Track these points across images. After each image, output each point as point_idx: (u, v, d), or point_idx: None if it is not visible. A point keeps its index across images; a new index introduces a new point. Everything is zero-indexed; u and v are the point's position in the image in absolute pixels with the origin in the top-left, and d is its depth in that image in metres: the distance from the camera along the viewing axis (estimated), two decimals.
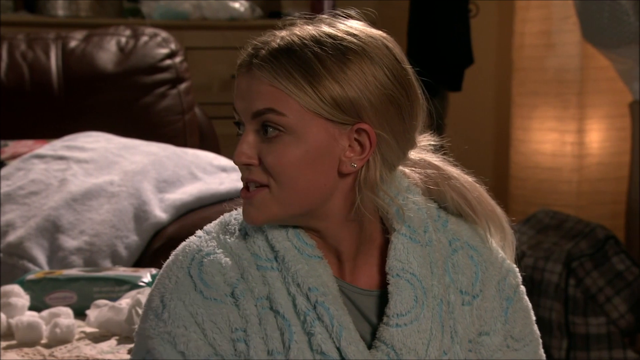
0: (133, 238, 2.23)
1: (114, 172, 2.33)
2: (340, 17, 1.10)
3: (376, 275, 1.12)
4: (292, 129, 1.05)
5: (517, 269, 1.19)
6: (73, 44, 2.66)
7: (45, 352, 1.59)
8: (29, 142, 2.47)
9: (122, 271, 1.89)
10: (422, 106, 1.12)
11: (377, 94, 1.06)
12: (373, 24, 1.13)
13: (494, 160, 3.82)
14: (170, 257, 1.11)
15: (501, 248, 1.19)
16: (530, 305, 1.20)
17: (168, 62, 2.68)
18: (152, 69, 2.66)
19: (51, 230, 2.19)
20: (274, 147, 1.06)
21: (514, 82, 3.52)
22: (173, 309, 1.06)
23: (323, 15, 1.10)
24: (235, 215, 1.13)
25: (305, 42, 1.06)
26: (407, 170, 1.16)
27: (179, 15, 3.34)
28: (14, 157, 2.41)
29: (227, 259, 1.08)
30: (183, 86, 2.69)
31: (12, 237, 2.17)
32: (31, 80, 2.59)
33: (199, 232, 1.12)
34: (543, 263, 2.77)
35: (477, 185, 1.20)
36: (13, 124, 2.56)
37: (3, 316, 1.69)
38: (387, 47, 1.09)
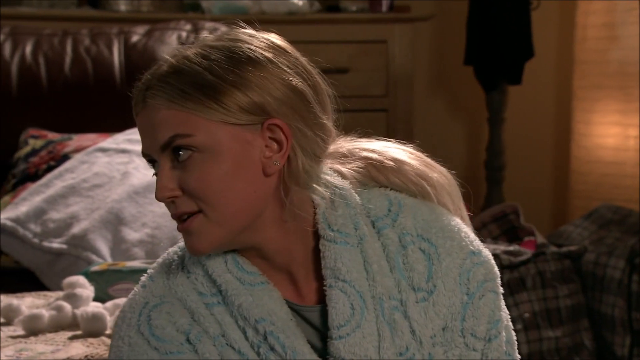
0: None
1: None
2: (222, 31, 1.10)
3: (318, 286, 1.09)
4: (203, 146, 1.03)
5: (492, 264, 1.12)
6: (135, 38, 2.69)
7: (110, 342, 1.61)
8: (92, 136, 2.51)
9: None
10: (326, 91, 1.10)
11: (277, 87, 1.05)
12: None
13: (554, 154, 3.77)
14: (119, 314, 1.09)
15: (454, 212, 1.13)
16: (501, 302, 1.12)
17: None
18: None
19: (114, 222, 2.22)
20: (191, 170, 1.03)
21: (575, 75, 3.46)
22: None
23: (203, 35, 1.10)
24: (178, 251, 1.11)
25: (192, 59, 1.05)
26: (339, 166, 1.12)
27: (238, 10, 3.36)
28: (78, 150, 2.45)
29: (174, 306, 1.06)
30: None
31: (76, 229, 2.21)
32: (94, 75, 2.62)
33: (143, 280, 1.10)
34: (605, 259, 2.73)
35: (417, 153, 1.15)
36: (77, 117, 2.61)
37: (68, 307, 1.72)
38: (273, 42, 1.08)
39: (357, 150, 1.14)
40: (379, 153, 1.14)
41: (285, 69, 1.06)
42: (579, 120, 3.44)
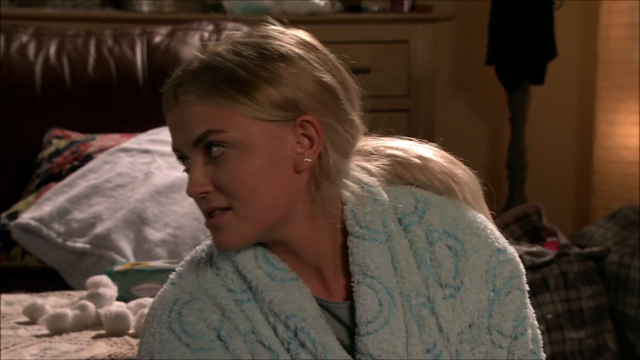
0: None
1: None
2: (251, 29, 1.10)
3: (347, 282, 1.09)
4: (236, 142, 1.03)
5: (518, 261, 1.12)
6: (157, 39, 2.70)
7: (133, 342, 1.62)
8: (115, 136, 2.52)
9: None
10: (354, 89, 1.10)
11: (308, 83, 1.05)
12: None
13: (577, 154, 3.75)
14: (149, 311, 1.09)
15: (477, 211, 1.13)
16: (527, 300, 1.12)
17: None
18: None
19: (137, 222, 2.23)
20: (223, 166, 1.03)
21: (599, 75, 3.44)
22: None
23: (231, 32, 1.10)
24: (205, 249, 1.11)
25: (223, 55, 1.05)
26: (366, 163, 1.13)
27: (259, 10, 3.37)
28: (101, 150, 2.47)
29: (205, 303, 1.06)
30: None
31: (99, 229, 2.22)
32: (117, 75, 2.64)
33: (172, 278, 1.10)
34: (629, 260, 2.71)
35: (441, 151, 1.16)
36: (100, 118, 2.62)
37: (92, 306, 1.73)
38: (303, 39, 1.08)
39: (382, 148, 1.15)
40: (404, 151, 1.14)
41: (315, 65, 1.06)
42: (602, 121, 3.42)
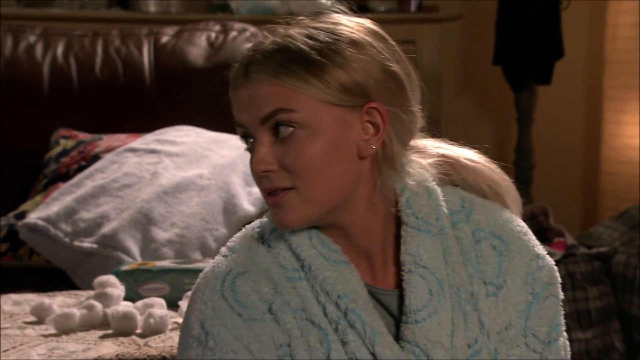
0: (222, 231, 2.26)
1: (203, 166, 2.36)
2: (320, 14, 1.11)
3: (395, 270, 1.11)
4: (305, 123, 1.04)
5: (555, 269, 1.15)
6: (164, 39, 2.70)
7: (140, 341, 1.63)
8: (122, 136, 2.53)
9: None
10: (415, 80, 1.12)
11: (377, 70, 1.06)
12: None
13: (584, 155, 3.74)
14: (200, 280, 1.09)
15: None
16: (561, 308, 1.14)
17: None
18: None
19: (144, 222, 2.24)
20: (290, 146, 1.04)
21: (605, 75, 3.43)
22: (217, 336, 1.04)
23: (301, 17, 1.10)
24: (256, 228, 1.12)
25: (297, 37, 1.06)
26: (419, 159, 1.14)
27: (266, 10, 3.37)
28: (108, 150, 2.47)
29: (258, 276, 1.07)
30: None
31: (106, 229, 2.23)
32: (124, 76, 2.64)
33: (224, 251, 1.11)
34: (636, 260, 2.70)
35: (483, 156, 1.18)
36: (107, 118, 2.63)
37: (99, 306, 1.73)
38: (373, 29, 1.10)
39: (432, 146, 1.17)
40: (454, 151, 1.17)
41: (385, 54, 1.08)
42: (609, 121, 3.42)
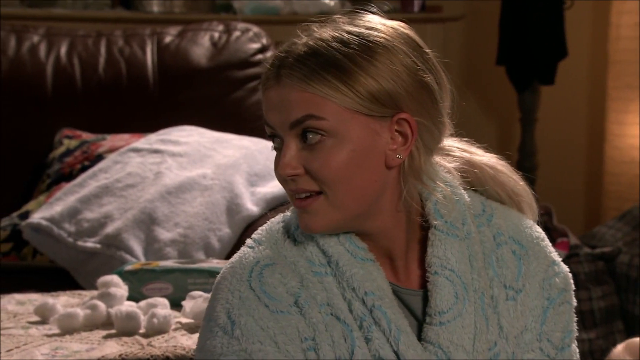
0: (225, 231, 2.26)
1: (206, 166, 2.36)
2: (356, 15, 1.10)
3: (419, 273, 1.12)
4: (334, 131, 1.04)
5: (569, 276, 1.16)
6: (168, 39, 2.71)
7: (144, 341, 1.63)
8: (125, 136, 2.53)
9: (215, 263, 1.92)
10: (448, 89, 1.12)
11: (409, 81, 1.06)
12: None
13: (587, 155, 3.74)
14: (226, 270, 1.10)
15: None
16: (574, 316, 1.16)
17: (259, 56, 2.71)
18: (243, 63, 2.69)
19: (147, 222, 2.24)
20: (317, 153, 1.05)
21: (609, 75, 3.43)
22: (244, 326, 1.05)
23: (337, 16, 1.10)
24: (280, 222, 1.13)
25: (330, 43, 1.05)
26: (440, 160, 1.15)
27: (269, 10, 3.37)
28: (112, 150, 2.47)
29: (285, 268, 1.08)
30: None
31: (110, 229, 2.23)
32: (128, 76, 2.64)
33: (249, 243, 1.12)
34: (639, 260, 2.70)
35: (505, 163, 1.19)
36: (111, 118, 2.63)
37: (102, 306, 1.73)
38: (408, 35, 1.09)
39: (455, 149, 1.17)
40: (478, 158, 1.17)
41: (419, 64, 1.07)
42: (612, 121, 3.41)
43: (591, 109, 3.70)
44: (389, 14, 1.13)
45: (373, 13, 1.10)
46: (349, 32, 1.06)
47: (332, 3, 3.40)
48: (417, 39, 1.10)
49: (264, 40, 2.74)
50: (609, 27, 3.42)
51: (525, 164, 3.52)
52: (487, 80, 3.71)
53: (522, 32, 3.37)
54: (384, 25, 1.09)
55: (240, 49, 2.71)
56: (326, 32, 1.07)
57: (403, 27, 1.10)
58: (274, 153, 1.10)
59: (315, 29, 1.08)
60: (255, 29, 2.77)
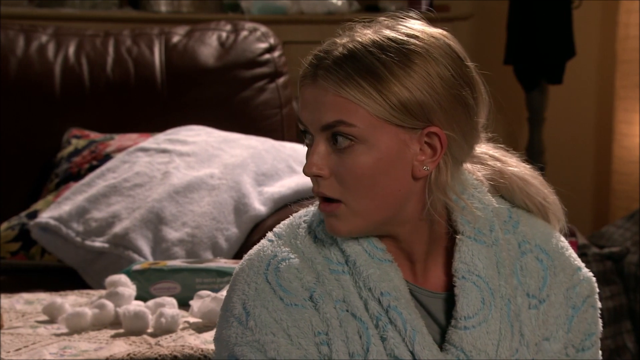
0: (233, 230, 2.27)
1: (214, 166, 2.37)
2: (399, 19, 1.09)
3: (443, 276, 1.12)
4: (363, 138, 1.05)
5: (593, 280, 1.17)
6: (175, 39, 2.71)
7: (152, 340, 1.63)
8: (133, 136, 2.53)
9: (223, 263, 1.92)
10: (485, 101, 1.11)
11: (444, 94, 1.05)
12: (432, 22, 1.12)
13: (595, 154, 3.73)
14: (244, 262, 1.11)
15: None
16: (599, 317, 1.17)
17: (267, 56, 2.71)
18: (251, 63, 2.69)
19: (155, 221, 2.24)
20: (345, 158, 1.05)
21: (617, 74, 3.42)
22: (258, 317, 1.07)
23: (382, 18, 1.09)
24: (303, 217, 1.13)
25: (368, 48, 1.05)
26: (469, 166, 1.14)
27: (277, 10, 3.37)
28: (120, 150, 2.48)
29: (302, 264, 1.09)
30: (281, 80, 2.71)
31: (117, 228, 2.23)
32: (136, 75, 2.65)
33: (270, 236, 1.13)
34: None
35: (537, 175, 1.19)
36: (118, 117, 2.63)
37: (111, 305, 1.73)
38: (449, 46, 1.08)
39: (485, 155, 1.17)
40: (509, 169, 1.17)
41: (457, 78, 1.07)
42: (620, 120, 3.40)
43: (599, 108, 3.69)
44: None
45: (416, 18, 1.09)
46: (388, 38, 1.06)
47: (339, 3, 3.40)
48: (459, 50, 1.09)
49: (272, 40, 2.74)
50: (618, 27, 3.41)
51: (532, 163, 3.51)
52: (494, 79, 3.70)
53: (530, 32, 3.37)
54: (426, 33, 1.07)
55: (248, 48, 2.71)
56: (366, 36, 1.06)
57: (445, 37, 1.09)
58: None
59: (358, 30, 1.07)
60: (262, 28, 2.77)
